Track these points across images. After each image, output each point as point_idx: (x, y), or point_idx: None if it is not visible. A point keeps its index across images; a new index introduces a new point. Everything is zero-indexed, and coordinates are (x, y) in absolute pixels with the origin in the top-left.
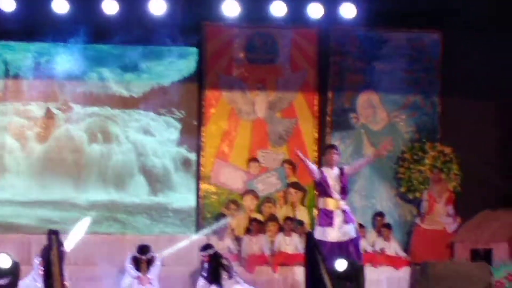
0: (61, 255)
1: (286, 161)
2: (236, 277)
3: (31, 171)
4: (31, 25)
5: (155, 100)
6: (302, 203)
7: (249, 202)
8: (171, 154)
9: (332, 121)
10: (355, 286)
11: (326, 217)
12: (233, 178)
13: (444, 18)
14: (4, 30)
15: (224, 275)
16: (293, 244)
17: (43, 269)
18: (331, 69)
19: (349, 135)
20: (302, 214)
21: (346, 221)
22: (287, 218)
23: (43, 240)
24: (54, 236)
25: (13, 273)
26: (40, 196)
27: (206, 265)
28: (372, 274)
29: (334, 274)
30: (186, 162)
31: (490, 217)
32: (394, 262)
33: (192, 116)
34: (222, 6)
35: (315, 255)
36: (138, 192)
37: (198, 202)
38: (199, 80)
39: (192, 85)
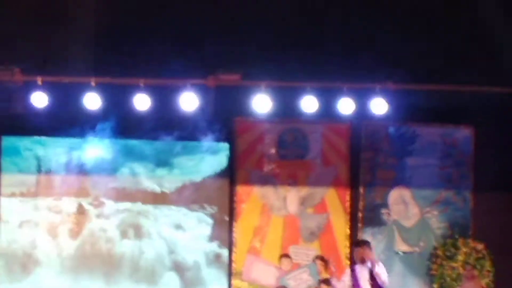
0: None
1: (318, 257)
2: None
3: (63, 267)
4: (63, 120)
5: (186, 196)
6: None
7: None
8: (203, 250)
9: (364, 216)
10: None
11: None
12: (265, 274)
13: (475, 114)
14: (36, 126)
15: None
16: None
17: None
18: (362, 164)
19: (381, 231)
20: None
21: None
22: None
23: None
24: None
25: None
26: None
27: None
28: None
29: None
30: (217, 258)
31: None
32: None
33: (223, 212)
34: (253, 101)
35: None
36: None
37: None
38: (231, 175)
39: (223, 180)
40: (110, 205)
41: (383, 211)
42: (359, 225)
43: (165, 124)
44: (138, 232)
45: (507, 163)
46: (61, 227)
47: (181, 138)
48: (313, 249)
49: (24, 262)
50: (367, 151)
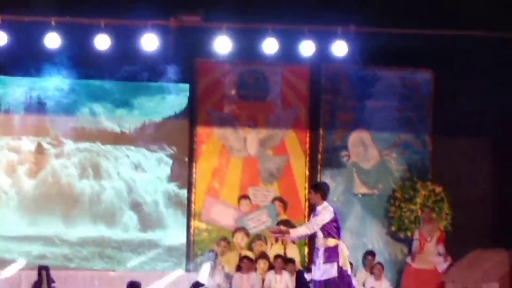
0: None
1: (277, 199)
2: None
3: (22, 206)
4: (23, 59)
5: (146, 136)
6: (293, 241)
7: (239, 240)
8: (162, 191)
9: (323, 158)
10: None
11: (313, 255)
12: (224, 215)
13: (435, 57)
14: None
15: None
16: (283, 282)
17: None
18: (322, 107)
19: (340, 173)
20: (292, 252)
21: (326, 260)
22: (278, 256)
23: (33, 276)
24: (44, 272)
25: None
26: (30, 231)
27: None
28: None
29: None
30: (177, 199)
31: (481, 256)
32: None
33: (183, 152)
34: (214, 43)
35: None
36: (128, 229)
37: (188, 239)
38: (191, 116)
39: (183, 121)
40: (69, 145)
41: (343, 153)
42: (319, 167)
43: (126, 65)
44: (98, 172)
45: (466, 106)
46: (20, 166)
47: (141, 78)
48: (272, 191)
49: None
50: (327, 93)
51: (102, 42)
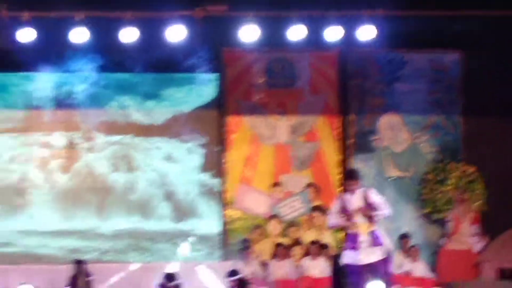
0: (88, 284)
1: (310, 185)
2: None
3: (55, 201)
4: (51, 55)
5: (176, 127)
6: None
7: (274, 227)
8: (195, 181)
9: (354, 143)
10: None
11: (352, 241)
12: (257, 203)
13: (464, 38)
14: (24, 61)
15: None
16: (319, 268)
17: None
18: (351, 91)
19: (372, 157)
20: (327, 237)
21: (373, 243)
22: (312, 242)
23: (69, 270)
24: (80, 266)
25: None
26: (64, 226)
27: None
28: None
29: None
30: (210, 188)
31: None
32: (421, 283)
33: (214, 142)
34: (241, 32)
35: (341, 278)
36: (162, 220)
37: (223, 227)
38: (220, 106)
39: (213, 111)
40: (100, 139)
41: (374, 137)
42: (350, 152)
43: (153, 57)
44: (130, 164)
45: (495, 86)
46: (52, 161)
47: (169, 70)
48: (305, 177)
49: (16, 198)
50: (356, 78)
51: (129, 34)
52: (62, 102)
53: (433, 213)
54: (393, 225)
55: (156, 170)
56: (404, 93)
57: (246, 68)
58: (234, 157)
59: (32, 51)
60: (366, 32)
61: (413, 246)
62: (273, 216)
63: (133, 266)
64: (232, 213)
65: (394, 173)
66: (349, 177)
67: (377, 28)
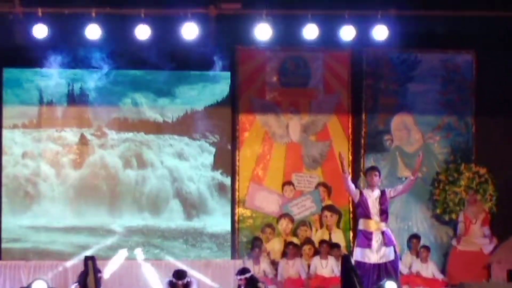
0: (98, 281)
1: (321, 184)
2: None
3: (66, 197)
4: (64, 51)
5: (189, 125)
6: (338, 226)
7: (284, 226)
8: (206, 179)
9: (366, 143)
10: None
11: (365, 239)
12: (268, 202)
13: (476, 39)
14: (38, 57)
15: None
16: (329, 267)
17: None
18: (364, 91)
19: (384, 157)
20: (337, 237)
21: (386, 243)
22: (323, 241)
23: (79, 266)
24: (90, 262)
25: None
26: (75, 222)
27: None
28: None
29: None
30: (221, 186)
31: None
32: (431, 284)
33: (226, 140)
34: (254, 30)
35: (352, 277)
36: (173, 217)
37: (233, 226)
38: (233, 104)
39: (225, 109)
40: (112, 135)
41: (386, 137)
42: (362, 151)
43: (166, 54)
44: (141, 161)
45: (508, 87)
46: (64, 157)
47: (182, 68)
48: (316, 176)
49: (27, 193)
50: (368, 77)
51: (143, 32)
52: (75, 98)
53: (444, 213)
54: (403, 224)
55: (168, 167)
56: (416, 93)
57: (260, 66)
58: (246, 155)
59: (45, 47)
60: (380, 32)
61: (423, 247)
62: (284, 215)
63: (143, 263)
64: (243, 211)
65: (405, 173)
66: (371, 168)
67: (390, 28)
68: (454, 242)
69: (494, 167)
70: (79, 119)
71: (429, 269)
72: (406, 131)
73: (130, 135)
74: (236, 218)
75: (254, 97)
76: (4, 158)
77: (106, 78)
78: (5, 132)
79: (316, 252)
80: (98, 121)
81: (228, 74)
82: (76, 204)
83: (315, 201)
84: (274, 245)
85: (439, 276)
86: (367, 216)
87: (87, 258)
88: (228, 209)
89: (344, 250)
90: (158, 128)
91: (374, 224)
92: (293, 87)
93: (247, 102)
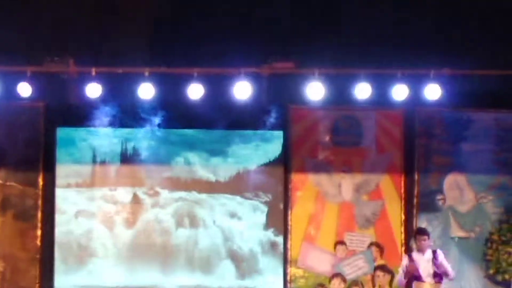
0: None
1: (373, 244)
2: None
3: (119, 256)
4: (118, 110)
5: (241, 184)
6: (390, 286)
7: (337, 286)
8: (258, 238)
9: (419, 202)
10: None
11: None
12: (320, 261)
13: None
14: (91, 117)
15: None
16: None
17: None
18: (417, 150)
19: (436, 217)
20: None
21: None
22: None
23: None
24: None
25: None
26: (128, 281)
27: None
28: None
29: None
30: (273, 246)
31: None
32: None
33: (278, 200)
34: (306, 89)
35: None
36: (225, 276)
37: (285, 286)
38: (285, 163)
39: (278, 168)
40: (165, 195)
41: (438, 197)
42: (414, 211)
43: (219, 113)
44: (193, 221)
45: None
46: (116, 217)
47: (235, 126)
48: (369, 236)
49: (80, 253)
50: (421, 137)
51: (196, 91)
52: (128, 157)
53: (497, 273)
54: (457, 285)
55: (220, 226)
56: (469, 153)
57: (312, 125)
58: (298, 215)
59: (99, 106)
60: (432, 91)
61: None
62: (336, 275)
63: None
64: (295, 271)
65: (458, 233)
66: (420, 232)
67: (443, 87)
68: None
69: None
70: (132, 178)
71: None
72: (459, 191)
73: (182, 194)
74: (289, 277)
75: (307, 156)
76: (57, 217)
77: (158, 137)
78: (58, 191)
79: None
80: (150, 180)
81: (281, 133)
82: (129, 263)
83: (367, 261)
84: None
85: None
86: (419, 279)
87: None
88: (280, 268)
89: None
90: (210, 187)
91: (427, 286)
92: (346, 146)
93: (300, 161)
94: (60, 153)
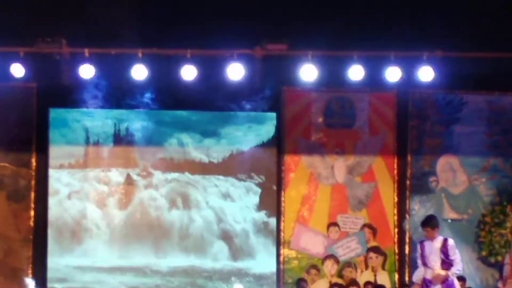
0: None
1: (366, 225)
2: None
3: (112, 238)
4: (111, 92)
5: (234, 166)
6: (383, 268)
7: (329, 267)
8: (251, 219)
9: (412, 184)
10: None
11: (426, 286)
12: (313, 243)
13: None
14: (84, 98)
15: None
16: None
17: None
18: (410, 132)
19: (429, 198)
20: (382, 278)
21: None
22: (368, 283)
23: None
24: None
25: None
26: (121, 262)
27: None
28: None
29: None
30: (266, 227)
31: None
32: None
33: (271, 181)
34: (300, 71)
35: None
36: (218, 258)
37: (278, 267)
38: (278, 145)
39: (271, 150)
40: (158, 176)
41: (431, 178)
42: (407, 193)
43: (212, 95)
44: (187, 202)
45: None
46: (110, 197)
47: (228, 108)
48: (361, 218)
49: (73, 233)
50: (414, 119)
51: (189, 72)
52: (121, 139)
53: (490, 256)
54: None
55: (213, 207)
56: (462, 135)
57: (305, 107)
58: (292, 196)
59: (92, 87)
60: (425, 73)
61: None
62: (329, 256)
63: None
64: (288, 252)
65: (451, 215)
66: (423, 224)
67: (436, 69)
68: (499, 285)
69: None
70: (125, 159)
71: None
72: (452, 173)
73: (175, 175)
74: (281, 259)
75: (300, 138)
76: (50, 197)
77: (152, 118)
78: (51, 172)
79: None
80: (144, 161)
81: (274, 115)
82: (122, 244)
83: (360, 243)
84: (319, 287)
85: None
86: (426, 265)
87: None
88: (273, 250)
89: None
90: (203, 169)
91: (432, 273)
92: (339, 128)
93: (293, 143)
94: (53, 134)
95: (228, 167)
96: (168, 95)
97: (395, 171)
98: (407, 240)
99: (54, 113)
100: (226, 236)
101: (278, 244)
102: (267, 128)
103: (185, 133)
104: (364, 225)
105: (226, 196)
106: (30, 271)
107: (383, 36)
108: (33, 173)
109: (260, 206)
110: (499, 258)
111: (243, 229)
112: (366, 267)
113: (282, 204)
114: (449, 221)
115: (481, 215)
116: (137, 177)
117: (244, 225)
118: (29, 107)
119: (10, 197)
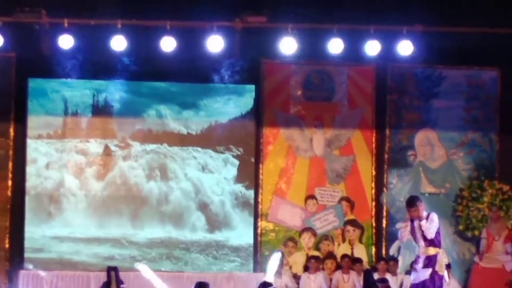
0: None
1: (344, 199)
2: None
3: (90, 208)
4: (90, 62)
5: (213, 137)
6: (360, 241)
7: (307, 240)
8: (229, 191)
9: (390, 158)
10: None
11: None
12: (291, 216)
13: (501, 56)
14: (63, 68)
15: None
16: (351, 281)
17: None
18: (388, 106)
19: (407, 172)
20: (359, 251)
21: (425, 265)
22: (345, 256)
23: (102, 277)
24: (113, 273)
25: None
26: (98, 233)
27: None
28: None
29: None
30: (244, 199)
31: None
32: None
33: (249, 153)
34: (279, 43)
35: None
36: (196, 230)
37: (256, 239)
38: (257, 117)
39: (249, 122)
40: (136, 147)
41: (409, 152)
42: (385, 167)
43: (191, 66)
44: (165, 173)
45: None
46: (87, 169)
47: (207, 80)
48: (339, 191)
49: (50, 204)
50: (393, 93)
51: (168, 44)
52: (100, 109)
53: (467, 230)
54: None
55: (191, 179)
56: (440, 109)
57: (284, 80)
58: (270, 169)
59: (71, 58)
60: (404, 47)
61: (446, 264)
62: (307, 229)
63: (166, 275)
64: (265, 224)
65: (429, 189)
66: (406, 204)
67: (415, 44)
68: (476, 259)
69: None
70: (103, 130)
71: (451, 286)
72: (430, 147)
73: (154, 146)
74: (259, 231)
75: (279, 110)
76: (28, 168)
77: (130, 90)
78: (29, 142)
79: (338, 267)
80: (122, 133)
81: (253, 87)
82: (99, 215)
83: (338, 216)
84: (296, 259)
85: None
86: (415, 241)
87: (110, 269)
88: (251, 222)
89: (366, 265)
90: (182, 140)
91: (420, 249)
92: (318, 101)
93: (272, 116)
94: (31, 104)
95: (206, 139)
96: (147, 66)
97: (373, 145)
98: (384, 213)
99: (33, 83)
100: (204, 208)
101: (256, 216)
102: (246, 100)
103: (163, 104)
104: (342, 198)
105: (204, 167)
106: (7, 241)
107: (363, 10)
108: (11, 143)
109: (238, 178)
110: (476, 232)
111: (221, 201)
112: (343, 240)
113: (260, 176)
114: (427, 195)
115: (459, 189)
116: (115, 148)
117: (222, 197)
118: (8, 77)
119: None
